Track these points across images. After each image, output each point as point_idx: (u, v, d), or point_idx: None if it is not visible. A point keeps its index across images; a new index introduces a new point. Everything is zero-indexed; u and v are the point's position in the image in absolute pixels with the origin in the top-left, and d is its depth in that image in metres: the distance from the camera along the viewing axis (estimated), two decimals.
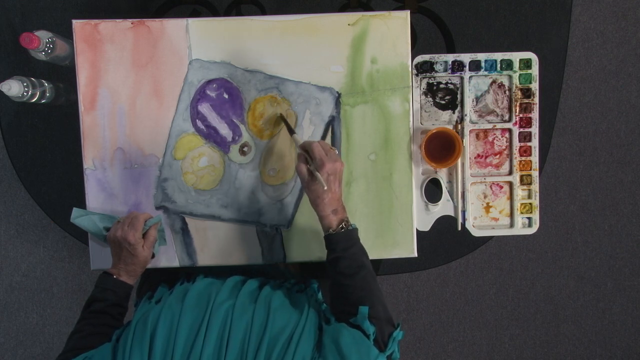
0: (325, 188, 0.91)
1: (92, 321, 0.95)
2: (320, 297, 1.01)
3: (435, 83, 1.15)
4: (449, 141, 1.11)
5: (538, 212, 1.17)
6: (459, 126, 1.15)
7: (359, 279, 0.90)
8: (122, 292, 0.99)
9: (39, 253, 1.94)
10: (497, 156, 1.17)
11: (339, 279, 0.91)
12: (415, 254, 1.13)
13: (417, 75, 1.14)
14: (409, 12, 1.10)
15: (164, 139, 1.09)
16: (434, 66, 1.14)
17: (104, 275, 1.00)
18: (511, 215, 1.17)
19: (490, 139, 1.16)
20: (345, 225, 0.94)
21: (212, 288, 0.92)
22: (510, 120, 1.16)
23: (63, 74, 1.17)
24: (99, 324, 0.95)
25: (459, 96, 1.15)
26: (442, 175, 1.16)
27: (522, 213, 1.17)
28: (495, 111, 1.16)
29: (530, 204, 1.17)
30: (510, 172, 1.17)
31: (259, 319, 0.83)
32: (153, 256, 1.07)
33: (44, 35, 1.04)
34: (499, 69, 1.14)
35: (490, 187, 1.17)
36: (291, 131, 1.05)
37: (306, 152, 0.94)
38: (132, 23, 1.07)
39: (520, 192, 1.17)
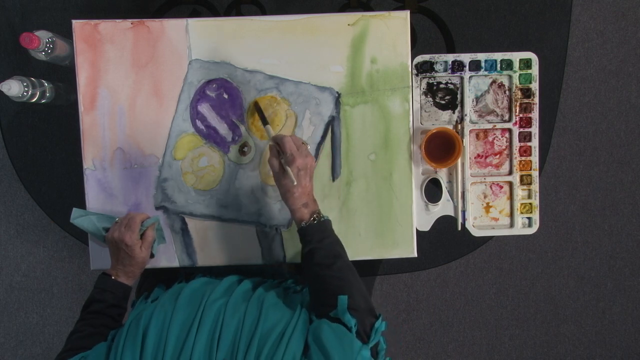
0: (295, 183, 0.92)
1: (91, 322, 0.95)
2: None
3: (435, 83, 1.15)
4: (449, 141, 1.11)
5: (538, 212, 1.17)
6: (459, 126, 1.15)
7: (336, 269, 0.89)
8: (120, 293, 0.99)
9: (39, 253, 1.94)
10: (497, 156, 1.17)
11: (316, 270, 0.90)
12: (415, 254, 1.13)
13: (417, 75, 1.14)
14: (409, 12, 1.10)
15: (163, 139, 1.09)
16: (434, 66, 1.14)
17: (102, 277, 1.00)
18: (511, 215, 1.17)
19: (490, 139, 1.16)
20: (317, 217, 0.94)
21: (207, 287, 0.92)
22: (510, 120, 1.16)
23: (63, 74, 1.17)
24: (98, 325, 0.95)
25: (459, 96, 1.15)
26: (442, 175, 1.16)
27: (522, 213, 1.17)
28: (495, 111, 1.16)
29: (530, 204, 1.17)
30: (510, 172, 1.17)
31: (250, 317, 0.83)
32: (152, 256, 1.07)
33: (44, 35, 1.04)
34: (499, 69, 1.14)
35: (490, 187, 1.17)
36: (264, 121, 1.04)
37: (277, 145, 0.95)
38: (131, 23, 1.07)
39: (520, 192, 1.17)
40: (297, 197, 0.93)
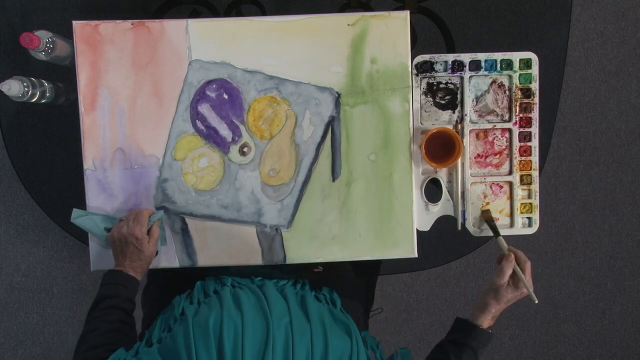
0: (537, 302, 1.00)
1: (106, 318, 0.94)
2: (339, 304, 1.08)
3: (435, 83, 1.15)
4: (449, 141, 1.11)
5: (538, 212, 1.17)
6: (459, 126, 1.15)
7: None
8: (132, 287, 0.99)
9: (39, 253, 1.94)
10: (497, 156, 1.17)
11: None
12: (416, 254, 1.13)
13: (417, 75, 1.14)
14: (408, 12, 1.10)
15: (163, 139, 1.09)
16: (434, 66, 1.14)
17: (111, 273, 0.99)
18: (511, 215, 1.17)
19: (490, 138, 1.16)
20: (490, 329, 1.02)
21: (259, 296, 0.95)
22: (510, 120, 1.16)
23: (63, 74, 1.17)
24: (114, 321, 0.94)
25: (459, 96, 1.15)
26: (442, 175, 1.16)
27: (522, 213, 1.17)
28: (495, 111, 1.16)
29: (530, 203, 1.17)
30: (510, 172, 1.17)
31: (318, 344, 0.86)
32: (156, 253, 1.07)
33: (44, 35, 1.04)
34: (499, 68, 1.14)
35: (490, 187, 1.17)
36: (496, 233, 1.10)
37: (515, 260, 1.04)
38: (132, 24, 1.07)
39: (520, 192, 1.17)
40: (501, 308, 1.02)
